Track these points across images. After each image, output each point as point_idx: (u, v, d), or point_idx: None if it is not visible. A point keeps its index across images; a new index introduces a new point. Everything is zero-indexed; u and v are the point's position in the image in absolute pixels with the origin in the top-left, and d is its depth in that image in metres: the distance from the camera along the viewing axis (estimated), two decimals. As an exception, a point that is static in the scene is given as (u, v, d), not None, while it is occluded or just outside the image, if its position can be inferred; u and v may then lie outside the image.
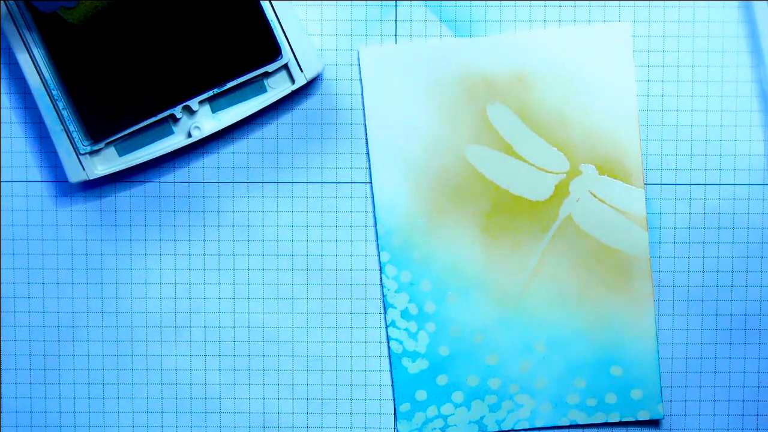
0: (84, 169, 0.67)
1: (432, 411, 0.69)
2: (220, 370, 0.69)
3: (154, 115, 0.66)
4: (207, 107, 0.67)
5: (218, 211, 0.69)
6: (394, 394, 0.69)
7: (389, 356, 0.69)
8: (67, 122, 0.66)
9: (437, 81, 0.68)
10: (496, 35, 0.68)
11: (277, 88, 0.67)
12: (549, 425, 0.69)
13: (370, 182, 0.69)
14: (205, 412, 0.70)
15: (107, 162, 0.67)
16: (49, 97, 0.66)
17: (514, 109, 0.68)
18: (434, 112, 0.68)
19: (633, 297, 0.69)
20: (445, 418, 0.69)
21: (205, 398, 0.70)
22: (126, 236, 0.69)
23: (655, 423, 0.70)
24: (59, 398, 0.70)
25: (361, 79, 0.68)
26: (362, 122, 0.68)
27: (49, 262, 0.69)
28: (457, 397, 0.69)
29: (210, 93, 0.66)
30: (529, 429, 0.69)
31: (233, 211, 0.69)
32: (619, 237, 0.68)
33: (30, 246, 0.69)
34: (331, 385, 0.70)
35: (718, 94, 0.68)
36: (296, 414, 0.70)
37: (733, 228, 0.69)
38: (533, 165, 0.68)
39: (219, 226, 0.69)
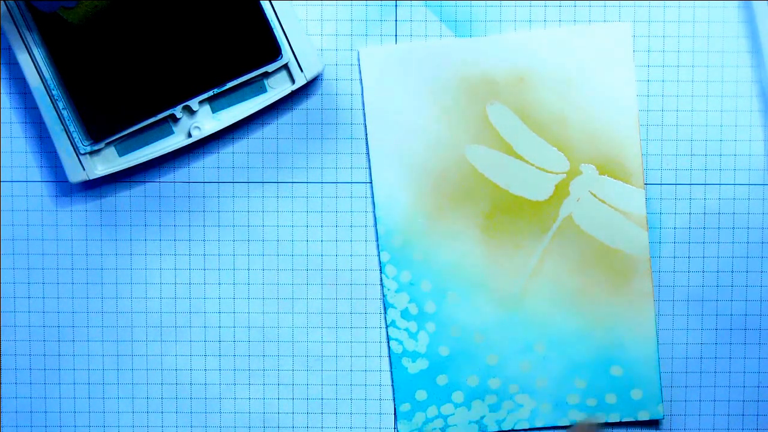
0: (84, 169, 0.67)
1: (432, 411, 0.69)
2: (220, 370, 0.69)
3: (154, 115, 0.66)
4: (207, 107, 0.67)
5: (218, 211, 0.69)
6: (394, 394, 0.69)
7: (389, 356, 0.69)
8: (67, 122, 0.66)
9: (437, 81, 0.68)
10: (496, 35, 0.68)
11: (277, 88, 0.67)
12: (549, 425, 0.69)
13: (370, 182, 0.69)
14: (205, 412, 0.70)
15: (107, 162, 0.67)
16: (49, 97, 0.66)
17: (514, 109, 0.68)
18: (434, 112, 0.68)
19: (633, 297, 0.69)
20: (445, 418, 0.69)
21: (205, 398, 0.70)
22: (126, 236, 0.69)
23: (655, 423, 0.70)
24: (59, 398, 0.70)
25: (361, 79, 0.68)
26: (362, 122, 0.68)
27: (49, 262, 0.69)
28: (457, 397, 0.69)
29: (210, 93, 0.66)
30: (529, 429, 0.69)
31: (233, 211, 0.69)
32: (619, 237, 0.68)
33: (30, 246, 0.69)
34: (331, 385, 0.70)
35: (718, 94, 0.68)
36: (296, 414, 0.70)
37: (733, 228, 0.69)
38: (533, 165, 0.68)
39: (219, 226, 0.69)
